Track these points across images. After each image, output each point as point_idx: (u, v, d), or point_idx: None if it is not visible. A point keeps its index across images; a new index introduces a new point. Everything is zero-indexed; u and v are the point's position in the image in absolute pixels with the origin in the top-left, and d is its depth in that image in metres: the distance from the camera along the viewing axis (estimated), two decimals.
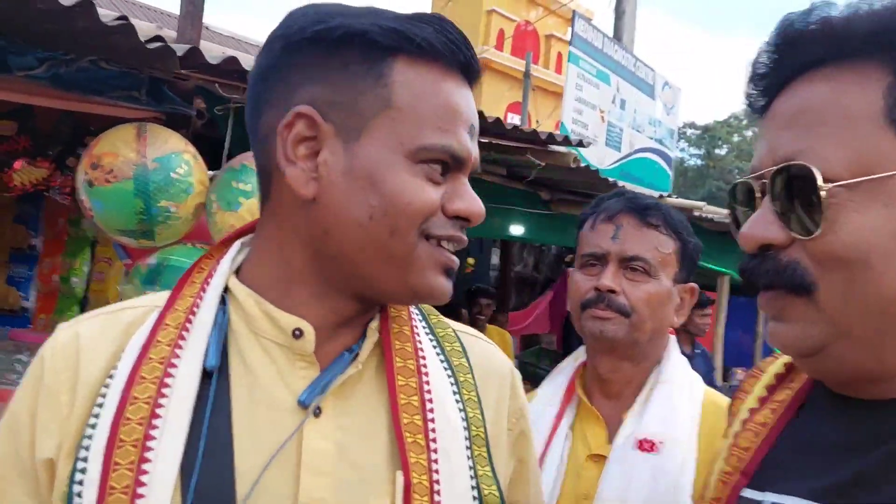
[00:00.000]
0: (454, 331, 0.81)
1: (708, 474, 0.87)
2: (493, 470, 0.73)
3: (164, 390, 0.64)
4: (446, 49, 0.67)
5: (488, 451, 0.73)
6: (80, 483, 0.62)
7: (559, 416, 1.20)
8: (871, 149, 0.60)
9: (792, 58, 0.65)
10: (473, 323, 5.05)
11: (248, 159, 2.13)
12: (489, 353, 0.82)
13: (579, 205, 4.05)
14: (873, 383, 0.63)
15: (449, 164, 0.68)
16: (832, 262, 0.61)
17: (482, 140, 2.56)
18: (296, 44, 0.67)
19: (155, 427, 0.62)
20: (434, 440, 0.69)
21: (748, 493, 0.69)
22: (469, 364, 0.77)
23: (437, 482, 0.67)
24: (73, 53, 2.11)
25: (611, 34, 7.67)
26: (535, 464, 0.84)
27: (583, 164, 3.44)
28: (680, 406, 1.13)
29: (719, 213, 5.16)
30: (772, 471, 0.69)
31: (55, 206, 3.80)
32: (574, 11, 6.87)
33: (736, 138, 31.58)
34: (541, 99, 12.26)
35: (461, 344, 0.79)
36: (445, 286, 0.69)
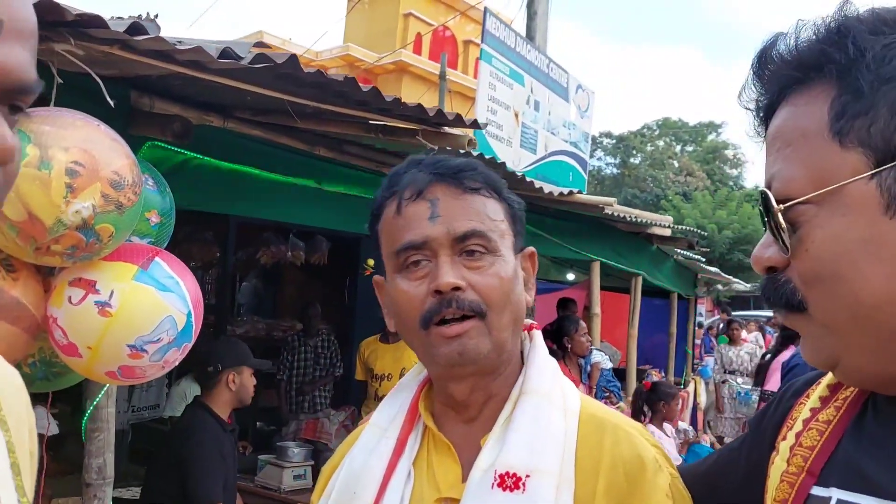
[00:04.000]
0: None
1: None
2: (27, 500, 0.65)
3: None
4: None
5: (21, 481, 0.65)
6: None
7: (398, 450, 0.91)
8: (822, 163, 0.62)
9: (763, 92, 0.70)
10: None
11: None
12: (1, 364, 0.69)
13: None
14: None
15: None
16: (811, 279, 0.64)
17: (356, 114, 2.25)
18: None
19: None
20: None
21: (816, 491, 0.69)
22: None
23: None
24: None
25: (524, 36, 7.56)
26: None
27: (487, 156, 3.20)
28: (550, 424, 0.86)
29: (631, 213, 5.07)
30: (838, 467, 0.69)
31: None
32: (486, 9, 6.70)
33: (649, 147, 32.65)
34: (458, 103, 12.13)
35: None
36: None
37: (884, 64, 0.60)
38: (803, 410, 0.77)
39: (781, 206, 0.64)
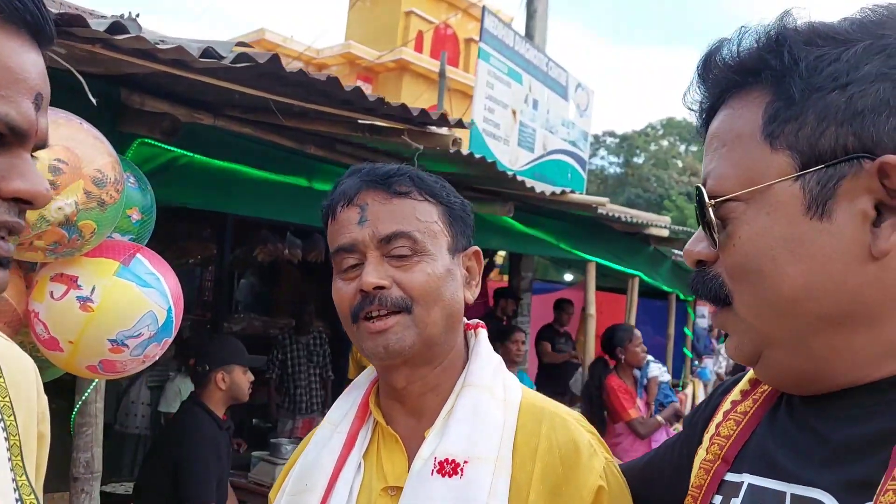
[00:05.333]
0: None
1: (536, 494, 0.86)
2: (27, 478, 0.71)
3: None
4: (5, 3, 0.58)
5: (22, 460, 0.71)
6: None
7: (349, 444, 0.95)
8: (753, 163, 0.66)
9: (706, 94, 0.73)
10: None
11: None
12: (14, 352, 0.76)
13: (481, 202, 3.83)
14: (818, 380, 0.66)
15: (6, 137, 0.59)
16: (736, 274, 0.67)
17: (341, 114, 2.27)
18: None
19: None
20: None
21: (730, 477, 0.73)
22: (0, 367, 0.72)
23: None
24: None
25: (523, 34, 7.56)
26: (44, 467, 0.78)
27: (478, 155, 3.21)
28: (489, 415, 0.91)
29: (626, 213, 5.07)
30: (750, 455, 0.72)
31: None
32: (484, 7, 6.70)
33: (653, 147, 32.58)
34: (459, 101, 12.14)
35: None
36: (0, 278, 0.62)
37: (815, 74, 0.64)
38: (726, 404, 0.81)
39: (713, 202, 0.68)
